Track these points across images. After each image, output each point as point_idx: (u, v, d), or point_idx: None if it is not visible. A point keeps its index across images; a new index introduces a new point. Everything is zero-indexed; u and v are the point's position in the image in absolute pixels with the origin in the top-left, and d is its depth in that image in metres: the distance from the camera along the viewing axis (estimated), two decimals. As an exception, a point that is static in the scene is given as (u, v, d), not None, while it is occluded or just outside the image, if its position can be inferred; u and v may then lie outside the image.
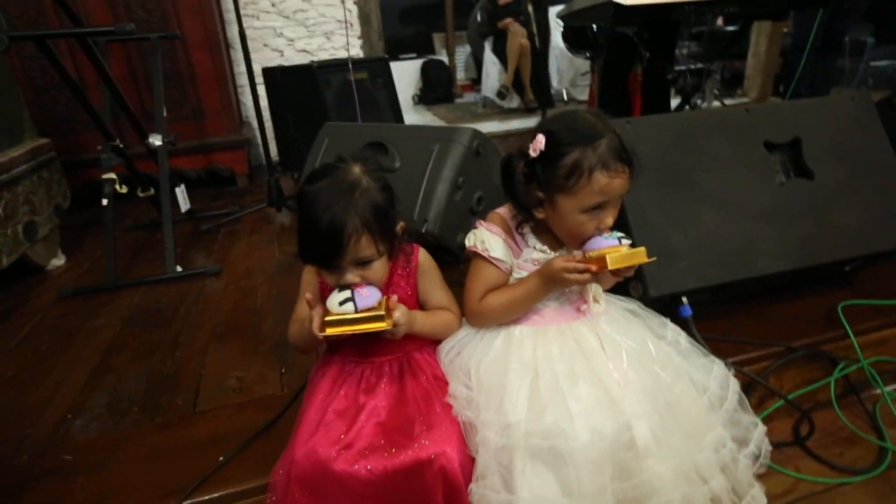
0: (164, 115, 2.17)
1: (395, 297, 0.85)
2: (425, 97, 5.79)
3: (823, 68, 3.02)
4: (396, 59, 5.83)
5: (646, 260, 0.86)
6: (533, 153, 0.88)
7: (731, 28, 3.04)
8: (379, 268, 0.86)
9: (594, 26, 2.41)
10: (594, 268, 0.86)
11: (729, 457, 0.91)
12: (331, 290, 0.85)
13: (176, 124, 2.93)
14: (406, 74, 5.68)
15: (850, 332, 1.23)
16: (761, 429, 0.96)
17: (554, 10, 3.72)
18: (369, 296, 0.82)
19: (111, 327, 1.60)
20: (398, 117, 3.04)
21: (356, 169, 0.85)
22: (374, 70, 2.94)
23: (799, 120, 1.36)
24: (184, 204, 2.31)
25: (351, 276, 0.83)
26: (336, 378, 0.90)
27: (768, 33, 4.41)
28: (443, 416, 0.84)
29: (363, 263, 0.84)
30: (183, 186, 2.31)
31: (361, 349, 0.92)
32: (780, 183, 1.31)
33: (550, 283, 0.92)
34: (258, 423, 1.10)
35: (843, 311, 1.29)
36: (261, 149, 3.49)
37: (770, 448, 0.96)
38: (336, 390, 0.88)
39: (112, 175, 1.94)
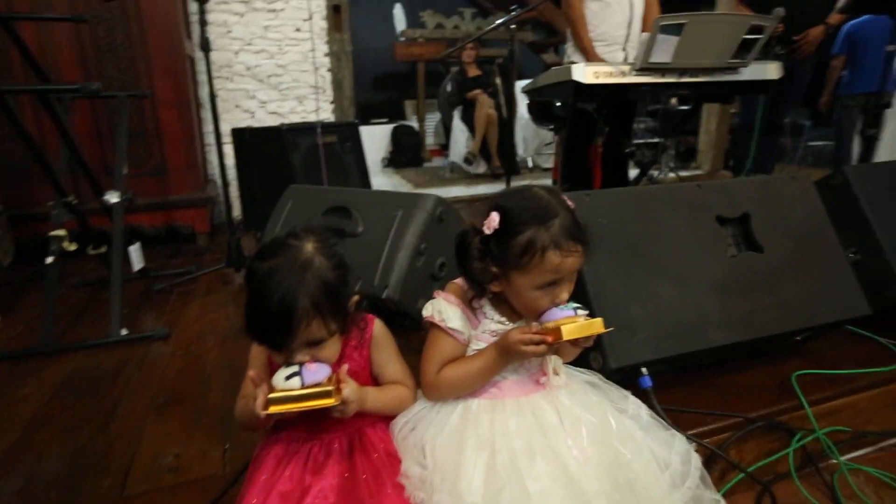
0: (125, 172, 2.13)
1: (345, 368, 0.81)
2: (395, 160, 5.92)
3: (768, 147, 3.24)
4: (368, 123, 5.99)
5: (602, 330, 0.86)
6: (487, 230, 0.89)
7: (683, 108, 3.28)
8: (330, 346, 0.83)
9: (557, 101, 2.53)
10: (550, 339, 0.85)
11: (692, 537, 0.88)
12: (279, 366, 0.81)
13: (138, 180, 2.90)
14: (377, 138, 5.83)
15: (805, 403, 1.24)
16: (723, 505, 0.94)
17: (520, 84, 3.91)
18: (317, 371, 0.78)
19: (38, 397, 1.47)
20: (365, 180, 3.07)
21: (309, 246, 0.82)
22: (344, 134, 3.00)
23: (747, 196, 1.42)
24: (137, 262, 2.24)
25: (300, 357, 0.80)
26: (281, 457, 0.85)
27: (717, 113, 4.72)
28: (394, 499, 0.79)
29: (314, 344, 0.81)
30: (138, 245, 2.25)
31: (310, 425, 0.87)
32: (732, 256, 1.35)
33: (507, 356, 0.90)
34: (195, 505, 1.02)
35: (797, 380, 1.31)
36: (223, 207, 3.46)
37: (733, 527, 0.94)
38: (281, 470, 0.82)
39: (60, 232, 1.87)
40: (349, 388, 0.80)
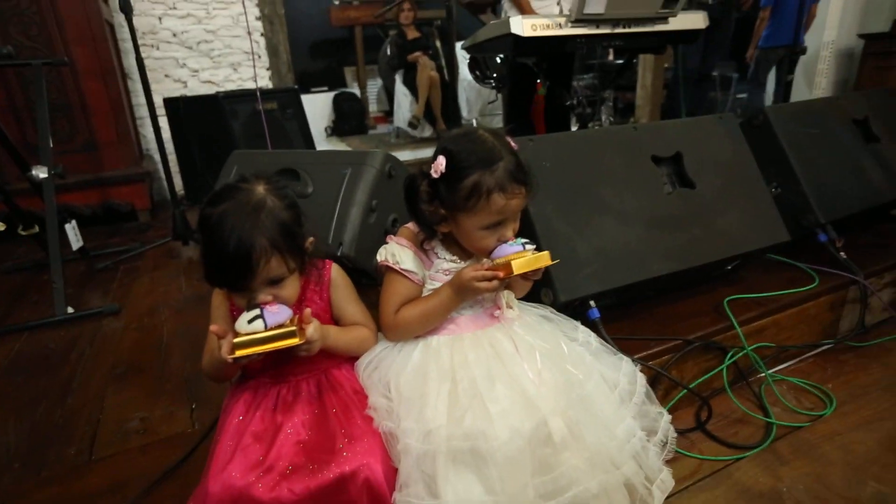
0: (51, 145, 2.02)
1: (308, 311, 0.83)
2: (338, 129, 5.79)
3: (699, 98, 3.39)
4: (308, 91, 5.80)
5: (549, 262, 0.91)
6: (434, 174, 0.91)
7: (619, 61, 3.37)
8: (290, 285, 0.84)
9: (497, 57, 2.55)
10: (501, 274, 0.89)
11: (639, 445, 0.96)
12: (241, 313, 0.82)
13: (65, 157, 2.73)
14: (318, 107, 5.67)
15: (736, 323, 1.36)
16: (667, 418, 1.03)
17: (461, 45, 3.89)
18: (279, 312, 0.79)
19: (-15, 380, 1.43)
20: (310, 147, 3.02)
21: (260, 188, 0.83)
22: (284, 100, 2.92)
23: (679, 137, 1.51)
24: (75, 241, 2.14)
25: (263, 296, 0.81)
26: (251, 401, 0.87)
27: (652, 68, 4.86)
28: (364, 429, 0.83)
29: (274, 283, 0.82)
30: (74, 222, 2.15)
31: (276, 370, 0.89)
32: (668, 193, 1.44)
33: (462, 293, 0.94)
34: (166, 464, 1.03)
35: (729, 304, 1.42)
36: (164, 182, 3.33)
37: (675, 435, 1.03)
38: (251, 413, 0.84)
39: (-14, 213, 1.77)
40: (312, 327, 0.82)
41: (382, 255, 0.99)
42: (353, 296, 0.99)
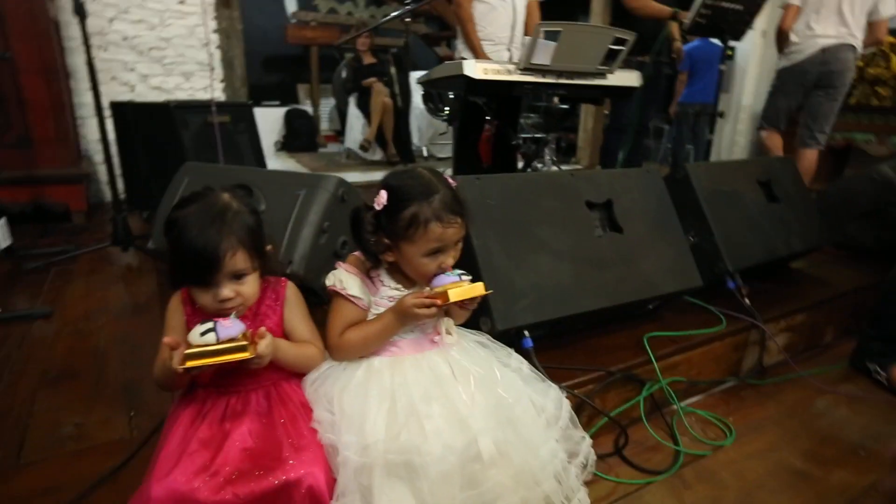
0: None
1: (263, 329, 0.88)
2: (288, 144, 5.77)
3: (635, 146, 3.66)
4: (259, 104, 5.76)
5: (483, 293, 1.00)
6: (377, 206, 1.00)
7: (563, 106, 3.61)
8: (252, 282, 0.89)
9: (450, 94, 2.68)
10: (439, 301, 0.97)
11: (560, 466, 1.05)
12: (198, 321, 0.86)
13: (-2, 153, 2.62)
14: (269, 121, 5.64)
15: (653, 358, 1.49)
16: (588, 442, 1.12)
17: (415, 75, 4.02)
18: (232, 326, 0.83)
19: None
20: (260, 163, 3.02)
21: (225, 195, 0.90)
22: (237, 114, 2.92)
23: (610, 185, 1.66)
24: (3, 239, 2.05)
25: (226, 291, 0.86)
26: (199, 410, 0.89)
27: (593, 113, 5.18)
28: (310, 440, 0.88)
29: (238, 277, 0.87)
30: (4, 220, 2.06)
31: (227, 381, 0.92)
32: (599, 235, 1.58)
33: (403, 318, 1.02)
34: (102, 470, 1.02)
35: (648, 340, 1.55)
36: (102, 185, 3.22)
37: (595, 458, 1.12)
38: (199, 421, 0.87)
39: None
40: (265, 342, 0.86)
41: (331, 280, 1.05)
42: (304, 314, 1.04)
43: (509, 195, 1.46)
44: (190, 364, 0.80)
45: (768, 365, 1.82)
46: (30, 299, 1.86)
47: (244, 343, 0.82)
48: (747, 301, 1.77)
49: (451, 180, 1.05)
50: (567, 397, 1.17)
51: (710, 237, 1.80)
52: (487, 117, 2.79)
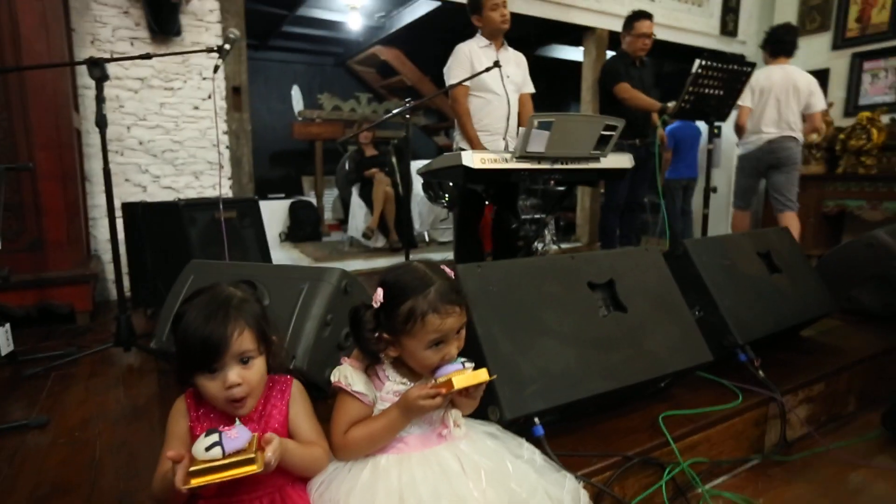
0: None
1: (270, 434, 0.86)
2: (293, 235, 5.90)
3: (631, 223, 3.74)
4: (265, 198, 5.96)
5: (488, 378, 0.99)
6: (375, 304, 1.01)
7: (560, 188, 3.75)
8: (258, 369, 0.90)
9: (450, 182, 2.77)
10: (444, 391, 0.96)
11: (583, 567, 0.99)
12: (204, 428, 0.84)
13: (8, 257, 2.67)
14: (274, 213, 5.81)
15: (670, 440, 1.44)
16: (610, 538, 1.06)
17: (415, 164, 4.19)
18: (238, 437, 0.81)
19: None
20: (265, 256, 3.08)
21: (231, 287, 0.94)
22: (243, 209, 3.01)
23: (611, 265, 1.67)
24: (5, 346, 2.05)
25: (234, 376, 0.86)
26: (200, 523, 0.86)
27: (590, 193, 5.32)
28: None
29: (245, 361, 0.88)
30: (7, 326, 2.07)
31: (230, 490, 0.89)
32: (603, 316, 1.57)
33: (409, 412, 1.00)
34: None
35: (664, 421, 1.51)
36: (109, 283, 3.26)
37: (620, 558, 1.06)
38: None
39: None
40: (272, 448, 0.83)
41: (336, 375, 1.04)
42: (309, 413, 1.02)
43: (511, 281, 1.47)
44: (195, 483, 0.77)
45: (792, 439, 1.75)
46: (26, 407, 1.82)
47: (251, 455, 0.80)
48: (761, 373, 1.73)
49: (448, 270, 1.06)
50: (584, 487, 1.13)
51: (716, 310, 1.79)
52: (486, 202, 2.87)
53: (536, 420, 1.32)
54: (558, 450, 1.30)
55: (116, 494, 1.29)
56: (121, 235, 2.96)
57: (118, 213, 2.92)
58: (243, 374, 0.89)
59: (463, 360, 1.02)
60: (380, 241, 5.17)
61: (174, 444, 0.93)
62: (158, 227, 2.81)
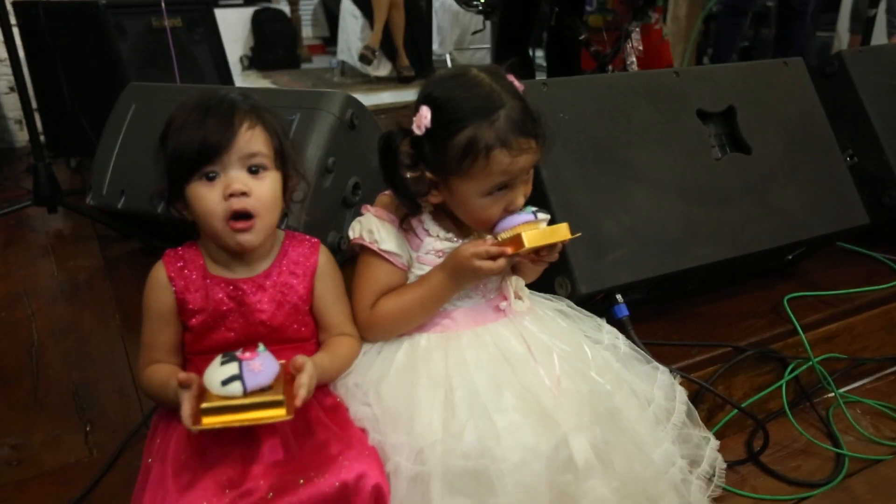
0: None
1: (299, 358, 0.87)
2: (259, 60, 5.78)
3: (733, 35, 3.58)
4: (216, 4, 5.74)
5: (569, 236, 0.99)
6: (417, 130, 0.97)
7: None
8: (272, 184, 0.93)
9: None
10: (510, 250, 0.96)
11: (679, 477, 1.05)
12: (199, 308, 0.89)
13: None
14: (231, 28, 5.60)
15: (799, 328, 1.48)
16: (714, 445, 1.12)
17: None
18: (263, 370, 0.82)
19: None
20: (227, 81, 3.03)
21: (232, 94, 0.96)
22: (192, 16, 2.92)
23: (732, 86, 1.61)
24: None
25: (238, 183, 0.88)
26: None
27: (691, -9, 5.02)
28: (359, 435, 0.91)
29: (254, 170, 0.91)
30: None
31: None
32: (717, 158, 1.54)
33: (459, 277, 1.01)
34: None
35: (790, 304, 1.53)
36: (9, 123, 3.26)
37: (724, 467, 1.13)
38: (208, 435, 0.87)
39: None
40: (305, 381, 0.85)
41: (357, 230, 1.05)
42: (340, 291, 1.05)
43: (590, 105, 1.43)
44: (208, 423, 0.80)
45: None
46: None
47: (279, 398, 0.81)
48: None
49: (518, 84, 1.02)
50: (680, 383, 1.18)
51: (879, 154, 1.76)
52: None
53: (619, 297, 1.35)
54: (646, 337, 1.35)
55: (69, 386, 1.40)
56: (20, 53, 2.91)
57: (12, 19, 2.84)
58: (251, 184, 0.90)
59: (534, 209, 1.00)
60: (384, 68, 5.04)
61: (158, 327, 0.96)
62: (73, 41, 2.75)
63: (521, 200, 1.01)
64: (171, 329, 0.96)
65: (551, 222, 1.01)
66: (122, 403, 1.34)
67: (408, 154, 1.00)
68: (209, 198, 0.89)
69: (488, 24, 3.54)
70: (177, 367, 0.95)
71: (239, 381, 0.80)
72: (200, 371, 0.84)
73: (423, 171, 1.00)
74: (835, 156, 1.69)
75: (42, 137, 3.05)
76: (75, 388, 1.38)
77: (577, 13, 2.74)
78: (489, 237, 1.01)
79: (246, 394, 0.80)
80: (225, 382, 0.80)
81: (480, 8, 3.53)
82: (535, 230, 0.96)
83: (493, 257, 0.97)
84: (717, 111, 1.58)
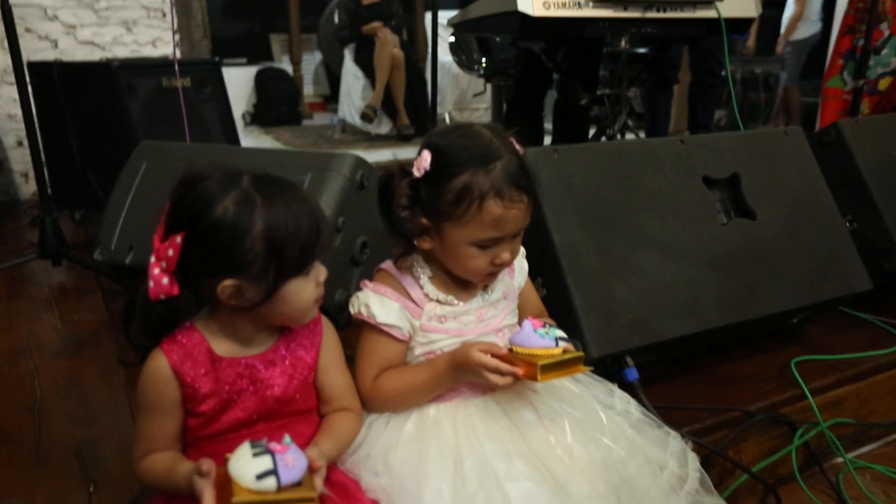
0: None
1: (312, 451, 0.86)
2: (261, 116, 5.86)
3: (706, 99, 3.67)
4: (222, 63, 5.85)
5: (583, 371, 1.01)
6: (417, 172, 0.99)
7: (640, 50, 3.65)
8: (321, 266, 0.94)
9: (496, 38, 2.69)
10: (521, 373, 0.95)
11: (695, 549, 1.04)
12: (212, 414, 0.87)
13: None
14: (236, 85, 5.69)
15: (807, 392, 1.47)
16: (727, 512, 1.11)
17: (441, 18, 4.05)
18: (296, 465, 0.80)
19: None
20: (232, 139, 3.07)
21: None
22: (200, 76, 2.97)
23: (736, 154, 1.64)
24: None
25: (323, 270, 0.92)
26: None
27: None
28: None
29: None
30: None
31: None
32: (723, 223, 1.56)
33: (464, 376, 1.00)
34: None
35: (797, 367, 1.54)
36: (16, 176, 3.28)
37: (739, 536, 1.11)
38: None
39: None
40: (321, 474, 0.84)
41: (356, 305, 1.05)
42: (341, 361, 1.03)
43: (599, 172, 1.45)
44: None
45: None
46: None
47: (312, 495, 0.79)
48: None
49: (517, 145, 1.04)
50: (692, 448, 1.16)
51: (877, 221, 1.78)
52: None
53: (629, 360, 1.35)
54: (655, 399, 1.34)
55: (72, 444, 1.37)
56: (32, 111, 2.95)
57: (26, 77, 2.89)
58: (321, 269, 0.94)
59: (558, 334, 0.99)
60: (384, 126, 5.11)
61: (161, 420, 0.91)
62: (84, 99, 2.79)
63: (507, 256, 1.03)
64: (173, 421, 0.92)
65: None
66: (127, 462, 1.27)
67: (405, 195, 1.02)
68: (306, 292, 0.92)
69: (489, 86, 3.63)
70: (178, 453, 0.92)
71: (273, 476, 0.77)
72: (206, 455, 0.82)
73: (418, 214, 1.01)
74: (836, 222, 1.71)
75: (50, 192, 3.08)
76: (78, 447, 1.36)
77: (580, 80, 2.78)
78: (499, 341, 1.03)
79: (280, 489, 0.78)
80: (260, 476, 0.77)
81: (482, 72, 3.63)
82: (553, 361, 0.95)
83: (502, 372, 0.96)
84: (721, 178, 1.60)
